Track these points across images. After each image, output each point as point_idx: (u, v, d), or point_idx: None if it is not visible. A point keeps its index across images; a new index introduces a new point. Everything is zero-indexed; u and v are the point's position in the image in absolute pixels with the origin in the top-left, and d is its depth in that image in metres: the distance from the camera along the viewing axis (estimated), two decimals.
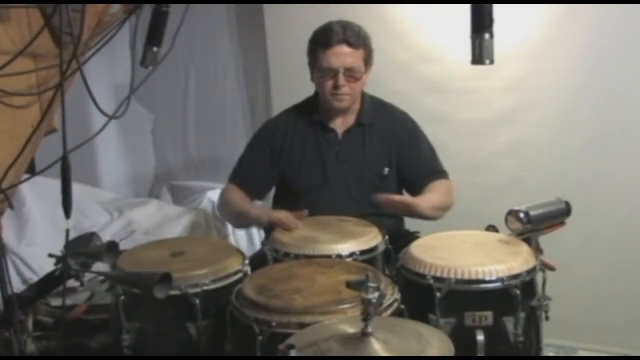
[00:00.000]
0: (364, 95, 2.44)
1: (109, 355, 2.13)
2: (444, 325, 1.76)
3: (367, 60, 2.34)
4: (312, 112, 2.44)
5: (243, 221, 2.46)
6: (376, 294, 1.34)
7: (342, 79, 2.27)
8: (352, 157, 2.40)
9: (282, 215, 2.18)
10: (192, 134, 3.95)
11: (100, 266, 1.77)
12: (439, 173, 2.42)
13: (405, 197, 2.33)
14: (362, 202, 2.32)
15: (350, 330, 1.41)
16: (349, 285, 1.45)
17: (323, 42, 2.28)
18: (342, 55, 2.26)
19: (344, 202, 2.33)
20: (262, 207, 2.57)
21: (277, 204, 2.52)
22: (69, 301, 2.58)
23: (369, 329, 1.35)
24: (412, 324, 1.50)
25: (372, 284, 1.35)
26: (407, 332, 1.42)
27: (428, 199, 2.28)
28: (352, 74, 2.29)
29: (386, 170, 2.39)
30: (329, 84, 2.30)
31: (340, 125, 2.42)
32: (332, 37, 2.26)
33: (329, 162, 2.40)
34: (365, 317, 1.35)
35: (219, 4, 3.63)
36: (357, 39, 2.28)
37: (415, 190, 2.38)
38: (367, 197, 2.29)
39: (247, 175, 2.44)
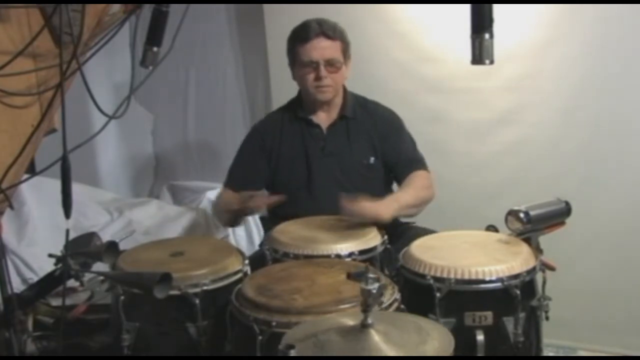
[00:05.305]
0: (346, 90, 2.51)
1: (109, 355, 2.12)
2: (444, 325, 1.75)
3: (345, 52, 2.42)
4: (297, 109, 2.51)
5: (230, 215, 2.46)
6: (376, 285, 1.34)
7: (323, 71, 2.35)
8: (338, 149, 2.46)
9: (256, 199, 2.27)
10: (192, 134, 3.95)
11: (100, 266, 1.76)
12: (418, 162, 2.45)
13: (368, 206, 2.14)
14: (352, 193, 2.32)
15: (350, 322, 1.41)
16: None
17: (301, 38, 2.37)
18: (321, 48, 2.35)
19: (334, 194, 2.32)
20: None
21: None
22: (69, 301, 2.57)
23: (369, 321, 1.35)
24: (411, 317, 1.50)
25: (372, 275, 1.35)
26: (407, 324, 1.41)
27: (400, 200, 2.24)
28: (332, 65, 2.37)
29: (372, 159, 2.45)
30: (311, 77, 2.38)
31: (324, 120, 2.49)
32: (310, 32, 2.35)
33: (316, 157, 2.45)
34: (365, 309, 1.35)
35: (219, 4, 3.62)
36: (334, 32, 2.37)
37: (396, 181, 2.44)
38: (357, 188, 2.31)
39: (240, 179, 2.47)
